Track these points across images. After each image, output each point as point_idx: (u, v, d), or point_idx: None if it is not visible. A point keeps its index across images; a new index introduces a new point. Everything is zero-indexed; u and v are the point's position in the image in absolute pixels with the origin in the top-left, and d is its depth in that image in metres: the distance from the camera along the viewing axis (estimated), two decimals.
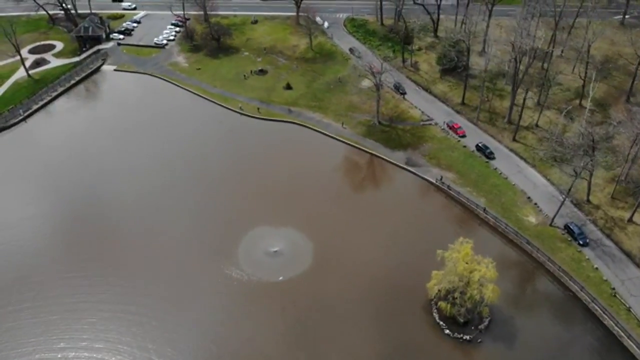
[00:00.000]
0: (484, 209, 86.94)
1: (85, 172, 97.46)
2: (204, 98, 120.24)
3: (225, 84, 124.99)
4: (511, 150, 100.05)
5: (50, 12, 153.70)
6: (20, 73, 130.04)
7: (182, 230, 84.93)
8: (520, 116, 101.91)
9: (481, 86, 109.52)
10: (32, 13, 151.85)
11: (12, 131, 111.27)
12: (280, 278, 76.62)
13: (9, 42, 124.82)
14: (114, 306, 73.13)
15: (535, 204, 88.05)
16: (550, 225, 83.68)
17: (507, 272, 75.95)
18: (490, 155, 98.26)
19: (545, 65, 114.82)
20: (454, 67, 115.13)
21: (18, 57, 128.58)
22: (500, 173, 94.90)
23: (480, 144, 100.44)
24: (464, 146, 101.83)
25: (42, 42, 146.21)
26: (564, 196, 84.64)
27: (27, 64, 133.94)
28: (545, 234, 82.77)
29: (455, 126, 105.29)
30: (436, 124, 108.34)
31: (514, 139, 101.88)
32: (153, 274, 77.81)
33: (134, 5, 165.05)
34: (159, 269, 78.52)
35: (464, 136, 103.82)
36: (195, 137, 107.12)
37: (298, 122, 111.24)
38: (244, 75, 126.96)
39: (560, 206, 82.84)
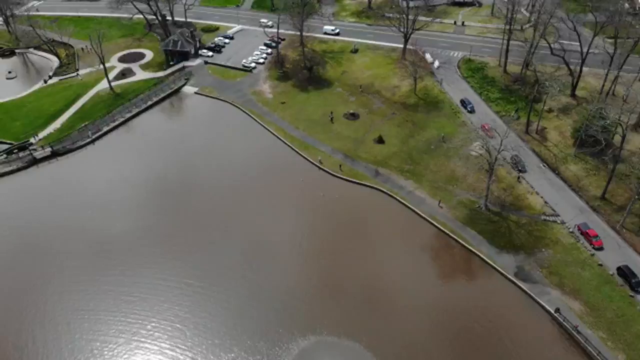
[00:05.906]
0: None
1: (130, 211, 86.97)
2: (282, 141, 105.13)
3: (309, 126, 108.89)
4: None
5: (148, 17, 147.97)
6: (104, 84, 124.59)
7: (210, 319, 70.51)
8: None
9: (635, 179, 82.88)
10: (128, 16, 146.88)
11: (78, 153, 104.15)
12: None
13: (102, 48, 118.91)
14: None
15: None
16: None
17: None
18: (637, 287, 72.28)
19: None
20: (600, 150, 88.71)
21: (107, 66, 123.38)
22: None
23: (623, 267, 74.54)
24: (600, 264, 76.53)
25: (133, 50, 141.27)
26: None
27: (114, 73, 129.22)
28: None
29: (589, 233, 79.72)
30: (563, 222, 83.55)
31: None
32: None
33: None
34: None
35: (600, 248, 78.34)
36: (263, 192, 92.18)
37: (385, 190, 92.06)
38: (331, 118, 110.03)
39: None
